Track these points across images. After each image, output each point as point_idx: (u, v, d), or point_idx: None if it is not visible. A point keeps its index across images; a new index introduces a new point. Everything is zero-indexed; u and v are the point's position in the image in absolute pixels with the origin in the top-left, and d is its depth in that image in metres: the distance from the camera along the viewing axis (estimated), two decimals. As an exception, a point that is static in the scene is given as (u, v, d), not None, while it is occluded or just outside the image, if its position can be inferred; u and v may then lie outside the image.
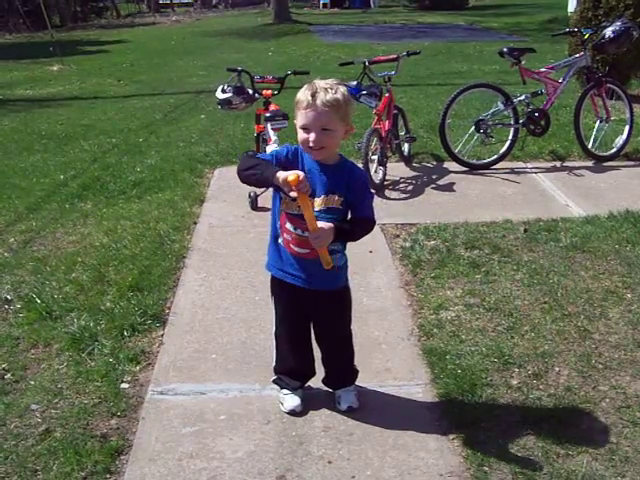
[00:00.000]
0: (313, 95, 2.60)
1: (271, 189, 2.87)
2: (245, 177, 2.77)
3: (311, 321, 3.07)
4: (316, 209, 2.71)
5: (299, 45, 18.45)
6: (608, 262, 4.45)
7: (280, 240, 2.89)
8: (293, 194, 2.59)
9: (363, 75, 6.25)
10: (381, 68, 6.46)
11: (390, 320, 3.84)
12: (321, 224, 2.65)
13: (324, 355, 3.15)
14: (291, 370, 3.14)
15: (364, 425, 2.98)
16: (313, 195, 2.72)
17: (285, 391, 3.13)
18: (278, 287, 3.01)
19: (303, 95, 2.64)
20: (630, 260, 4.44)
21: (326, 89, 2.61)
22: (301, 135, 2.70)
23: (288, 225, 2.81)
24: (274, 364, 3.19)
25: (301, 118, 2.67)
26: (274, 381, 3.18)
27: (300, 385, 3.15)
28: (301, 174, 2.54)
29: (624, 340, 3.56)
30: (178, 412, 3.09)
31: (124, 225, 5.30)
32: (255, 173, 2.71)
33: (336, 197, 2.74)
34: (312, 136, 2.64)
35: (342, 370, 3.16)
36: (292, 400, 3.09)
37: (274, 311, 3.09)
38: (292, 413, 3.06)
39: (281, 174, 2.56)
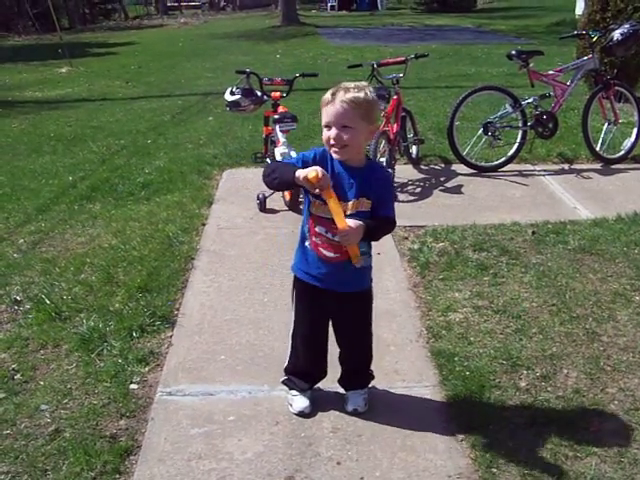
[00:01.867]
0: (334, 93, 2.65)
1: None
2: (269, 182, 2.81)
3: (331, 323, 3.06)
4: (347, 213, 2.71)
5: (307, 47, 18.47)
6: (616, 264, 4.44)
7: (307, 243, 2.88)
8: (317, 191, 2.62)
9: (371, 77, 6.25)
10: (389, 71, 6.46)
11: (399, 322, 3.85)
12: (350, 222, 2.65)
13: (343, 355, 3.15)
14: (303, 372, 3.15)
15: (373, 426, 2.99)
16: (345, 199, 2.73)
17: (294, 392, 3.14)
18: (301, 289, 3.01)
19: (327, 94, 2.69)
20: (638, 262, 4.43)
21: (348, 88, 2.65)
22: (324, 133, 2.73)
23: (318, 228, 2.81)
24: (286, 364, 3.19)
25: (323, 115, 2.71)
26: (283, 382, 3.19)
27: (309, 387, 3.16)
28: (320, 170, 2.56)
29: (632, 342, 3.56)
30: (187, 413, 3.10)
31: (133, 226, 5.31)
32: (276, 177, 2.74)
33: (366, 200, 2.75)
34: (332, 132, 2.67)
35: (357, 372, 3.17)
36: (301, 401, 3.10)
37: (294, 312, 3.09)
38: (301, 414, 3.07)
39: (301, 172, 2.59)
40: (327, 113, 2.67)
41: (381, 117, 6.14)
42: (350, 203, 2.74)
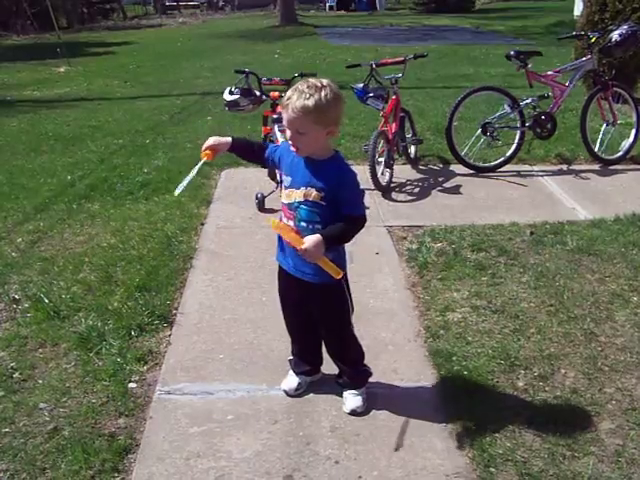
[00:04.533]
0: (289, 98, 2.63)
1: (278, 191, 2.91)
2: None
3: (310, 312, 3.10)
4: (296, 200, 2.77)
5: (305, 47, 18.48)
6: (614, 265, 4.45)
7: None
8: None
9: (370, 77, 6.26)
10: (388, 71, 6.47)
11: (397, 322, 3.85)
12: (307, 238, 2.64)
13: (327, 350, 3.21)
14: (296, 352, 3.28)
15: (371, 425, 3.00)
16: (295, 187, 2.77)
17: (290, 372, 3.27)
18: (278, 273, 3.09)
19: (286, 95, 2.68)
20: (636, 263, 4.44)
21: (301, 93, 2.59)
22: (287, 131, 2.76)
23: (281, 213, 2.91)
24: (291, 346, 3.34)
25: (283, 116, 2.74)
26: (289, 359, 3.33)
27: (302, 372, 3.24)
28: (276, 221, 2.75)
29: (630, 343, 3.57)
30: (186, 412, 3.11)
31: (131, 226, 5.32)
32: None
33: (314, 192, 2.72)
34: (288, 134, 2.71)
35: (349, 369, 3.18)
36: (289, 381, 3.24)
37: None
38: (285, 393, 3.20)
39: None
40: (284, 117, 2.68)
41: (380, 117, 6.16)
42: (298, 191, 2.76)
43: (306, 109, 2.57)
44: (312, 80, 2.65)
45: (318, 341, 3.20)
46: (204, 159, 2.90)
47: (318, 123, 2.62)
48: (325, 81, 2.65)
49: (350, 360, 3.18)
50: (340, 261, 2.86)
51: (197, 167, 2.88)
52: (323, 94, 2.58)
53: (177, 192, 2.88)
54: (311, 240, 2.63)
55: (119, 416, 3.11)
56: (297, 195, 2.76)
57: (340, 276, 2.73)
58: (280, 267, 3.04)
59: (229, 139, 2.93)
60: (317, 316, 3.07)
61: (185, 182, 2.83)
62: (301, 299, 3.04)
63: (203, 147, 2.88)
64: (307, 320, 3.11)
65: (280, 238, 2.91)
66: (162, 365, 3.48)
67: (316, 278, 2.84)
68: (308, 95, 2.57)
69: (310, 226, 2.75)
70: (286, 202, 2.82)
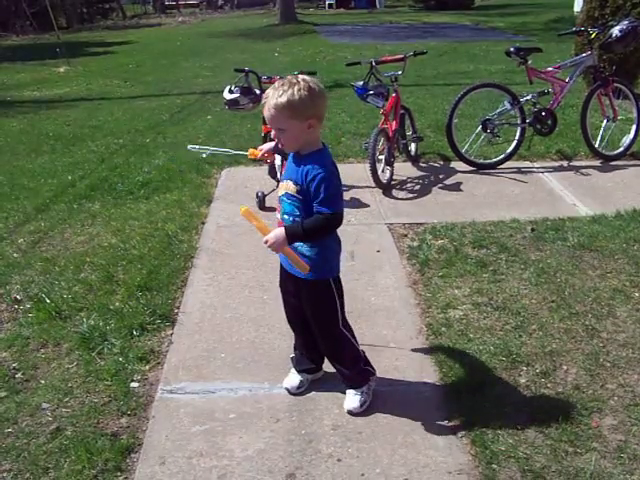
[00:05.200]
0: (266, 96, 2.71)
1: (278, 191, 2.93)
2: None
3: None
4: (280, 193, 2.88)
5: (305, 45, 18.46)
6: (615, 261, 4.45)
7: None
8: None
9: (370, 75, 6.25)
10: (388, 68, 6.47)
11: (398, 319, 3.85)
12: (270, 233, 2.75)
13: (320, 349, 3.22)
14: (298, 347, 3.30)
15: (373, 423, 3.00)
16: (283, 180, 2.90)
17: (292, 370, 3.28)
18: (280, 268, 3.13)
19: (265, 94, 2.74)
20: (637, 259, 4.44)
21: (276, 90, 2.66)
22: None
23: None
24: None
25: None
26: (291, 357, 3.34)
27: (305, 369, 3.25)
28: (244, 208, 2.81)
29: (632, 339, 3.57)
30: (188, 411, 3.11)
31: (132, 225, 5.32)
32: None
33: (292, 184, 2.79)
34: (273, 132, 2.80)
35: (343, 369, 3.15)
36: (291, 379, 3.26)
37: None
38: (287, 391, 3.22)
39: None
40: (265, 115, 2.76)
41: (380, 114, 6.15)
42: (284, 184, 2.86)
43: (279, 105, 2.65)
44: (288, 77, 2.73)
45: (310, 338, 3.20)
46: (248, 153, 3.16)
47: (294, 118, 2.67)
48: (301, 77, 2.71)
49: (343, 360, 3.15)
50: (319, 260, 2.86)
51: (234, 152, 2.96)
52: (296, 89, 2.64)
53: (190, 147, 2.96)
54: (273, 232, 2.74)
55: (121, 416, 3.11)
56: (282, 188, 2.87)
57: (307, 272, 2.80)
58: (281, 264, 3.08)
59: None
60: (307, 313, 3.08)
61: (209, 151, 2.96)
62: (296, 295, 3.08)
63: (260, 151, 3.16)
64: (305, 317, 3.11)
65: None
66: (164, 364, 3.48)
67: (301, 273, 2.87)
68: (281, 92, 2.65)
69: (291, 218, 2.83)
70: (278, 195, 2.92)
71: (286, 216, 2.85)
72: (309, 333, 3.16)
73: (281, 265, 3.08)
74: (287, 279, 3.07)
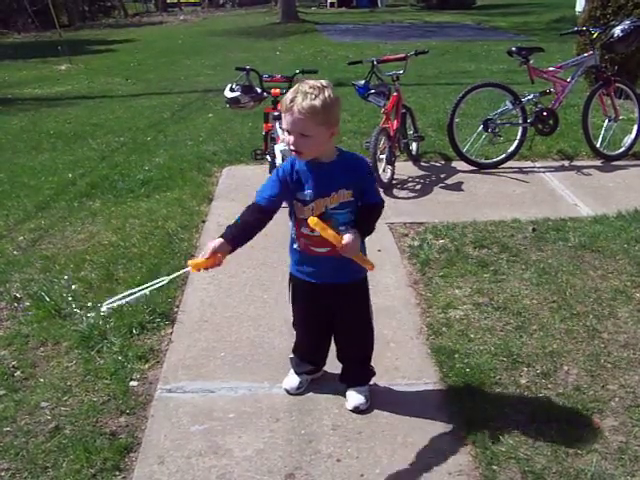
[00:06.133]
0: (292, 100, 2.56)
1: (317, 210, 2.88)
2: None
3: (331, 315, 3.05)
4: (329, 207, 2.73)
5: (307, 44, 18.46)
6: (617, 261, 4.43)
7: (296, 245, 2.89)
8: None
9: (371, 74, 6.24)
10: (389, 67, 6.46)
11: (399, 319, 3.84)
12: (345, 237, 2.65)
13: (344, 351, 3.18)
14: (302, 355, 3.24)
15: (373, 423, 2.99)
16: (323, 194, 2.72)
17: (291, 371, 3.26)
18: (297, 285, 3.03)
19: (286, 98, 2.61)
20: (639, 259, 4.42)
21: (306, 94, 2.55)
22: (285, 136, 2.70)
23: (304, 230, 2.80)
24: (293, 346, 3.31)
25: (283, 120, 2.66)
26: (290, 358, 3.30)
27: (304, 372, 3.23)
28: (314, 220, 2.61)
29: (633, 339, 3.55)
30: (187, 410, 3.10)
31: (132, 223, 5.31)
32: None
33: (345, 192, 2.74)
34: (291, 140, 2.63)
35: (358, 367, 3.17)
36: (291, 380, 3.24)
37: (292, 307, 3.16)
38: (286, 391, 3.20)
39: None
40: (286, 120, 2.61)
41: (381, 113, 6.14)
42: (329, 198, 2.73)
43: (314, 109, 2.53)
44: (311, 82, 2.62)
45: (329, 344, 3.20)
46: (190, 267, 2.63)
47: (323, 124, 2.59)
48: (324, 81, 2.64)
49: (365, 357, 3.17)
50: (364, 254, 2.89)
51: (173, 275, 2.76)
52: (327, 94, 2.57)
53: (105, 307, 2.85)
54: (350, 236, 2.65)
55: (120, 415, 3.10)
56: (328, 202, 2.74)
57: (373, 268, 2.80)
58: (300, 281, 2.97)
59: (222, 241, 2.70)
60: (346, 317, 3.03)
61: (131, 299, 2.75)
62: (329, 306, 3.01)
63: (204, 255, 2.65)
64: (327, 326, 3.10)
65: (297, 254, 2.91)
66: (163, 363, 3.47)
67: (347, 278, 2.90)
68: (314, 96, 2.54)
69: (347, 227, 2.73)
70: (315, 214, 2.72)
71: (342, 227, 2.73)
72: (327, 342, 3.16)
73: (306, 285, 2.95)
74: (319, 296, 2.96)
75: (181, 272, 2.82)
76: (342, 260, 2.74)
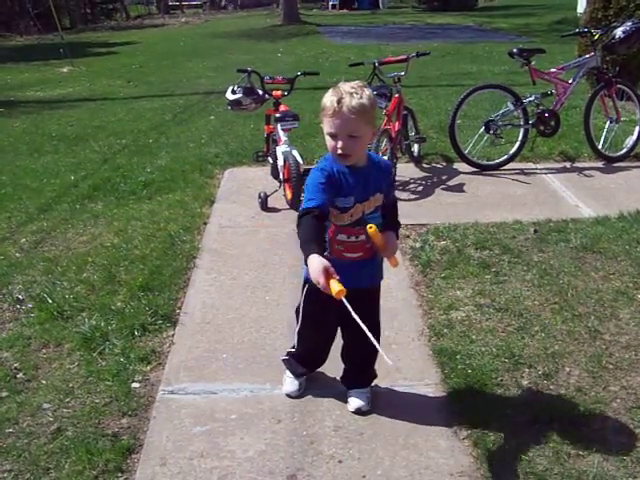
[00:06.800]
0: (339, 101, 2.52)
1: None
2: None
3: (342, 320, 2.95)
4: (367, 212, 2.74)
5: (308, 46, 18.47)
6: (618, 263, 4.43)
7: (327, 252, 2.76)
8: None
9: (373, 76, 6.25)
10: (391, 69, 6.46)
11: (400, 320, 3.84)
12: (389, 245, 2.73)
13: (350, 353, 3.15)
14: (305, 361, 3.22)
15: (375, 425, 2.99)
16: (361, 199, 2.70)
17: (289, 374, 3.23)
18: (313, 291, 2.81)
19: (329, 101, 2.56)
20: (641, 261, 4.43)
21: (352, 94, 2.52)
22: (329, 142, 2.63)
23: (340, 236, 2.77)
24: (290, 348, 3.25)
25: (328, 125, 2.60)
26: (283, 360, 3.27)
27: (304, 374, 3.23)
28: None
29: (635, 341, 3.55)
30: (189, 411, 3.10)
31: (134, 225, 5.32)
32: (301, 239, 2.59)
33: (379, 195, 2.76)
34: (340, 143, 2.58)
35: (363, 369, 3.16)
36: (291, 385, 3.21)
37: (302, 314, 3.06)
38: (288, 396, 3.18)
39: (320, 279, 2.41)
40: (333, 124, 2.56)
41: (383, 115, 6.14)
42: (367, 202, 2.73)
43: (364, 107, 2.53)
44: (349, 83, 2.61)
45: (330, 348, 3.19)
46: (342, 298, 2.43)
47: (370, 123, 2.61)
48: (360, 82, 2.65)
49: (374, 359, 3.14)
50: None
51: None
52: (368, 92, 2.58)
53: None
54: (391, 244, 2.74)
55: (122, 416, 3.10)
56: (366, 207, 2.73)
57: (397, 265, 2.87)
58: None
59: (321, 258, 2.45)
60: (368, 319, 2.94)
61: None
62: (338, 311, 2.82)
63: (333, 285, 2.43)
64: (334, 332, 3.12)
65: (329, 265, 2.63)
66: (165, 365, 3.48)
67: (368, 283, 2.93)
68: (359, 95, 2.53)
69: (380, 229, 2.71)
70: (352, 220, 2.71)
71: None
72: (333, 341, 3.15)
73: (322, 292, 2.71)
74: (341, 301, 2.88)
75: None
76: (366, 265, 2.77)
